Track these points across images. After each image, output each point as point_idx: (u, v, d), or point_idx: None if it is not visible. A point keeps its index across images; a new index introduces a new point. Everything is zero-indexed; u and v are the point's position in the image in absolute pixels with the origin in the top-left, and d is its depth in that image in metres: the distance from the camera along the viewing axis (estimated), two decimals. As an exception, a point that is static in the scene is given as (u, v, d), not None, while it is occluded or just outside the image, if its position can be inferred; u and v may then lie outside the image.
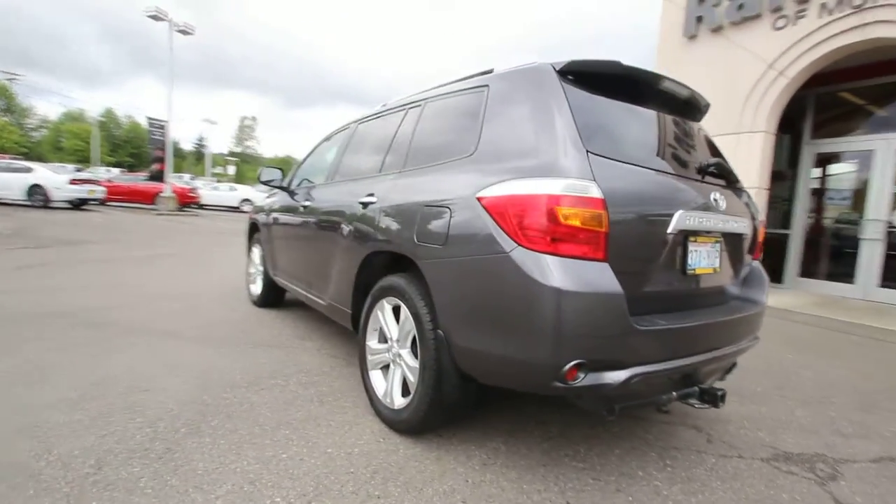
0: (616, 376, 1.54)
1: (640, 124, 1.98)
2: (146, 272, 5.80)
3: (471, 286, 1.70)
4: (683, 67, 6.31)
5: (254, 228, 4.65)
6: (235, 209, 22.61)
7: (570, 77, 1.81)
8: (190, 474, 1.75)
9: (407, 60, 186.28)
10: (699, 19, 6.26)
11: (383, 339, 2.31)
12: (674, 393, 1.81)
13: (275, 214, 3.85)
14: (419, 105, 2.49)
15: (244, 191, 23.95)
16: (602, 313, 1.51)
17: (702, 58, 6.25)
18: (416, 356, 2.06)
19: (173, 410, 2.25)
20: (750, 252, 2.27)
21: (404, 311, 2.08)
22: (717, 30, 6.13)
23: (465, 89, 2.20)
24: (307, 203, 3.22)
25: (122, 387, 2.47)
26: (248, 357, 3.02)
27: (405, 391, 2.14)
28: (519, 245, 1.56)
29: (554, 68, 1.82)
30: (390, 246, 2.15)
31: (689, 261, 1.86)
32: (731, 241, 2.08)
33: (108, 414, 2.17)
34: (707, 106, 2.33)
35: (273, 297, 4.27)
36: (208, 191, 23.50)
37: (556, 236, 1.52)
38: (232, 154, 77.64)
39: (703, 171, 2.01)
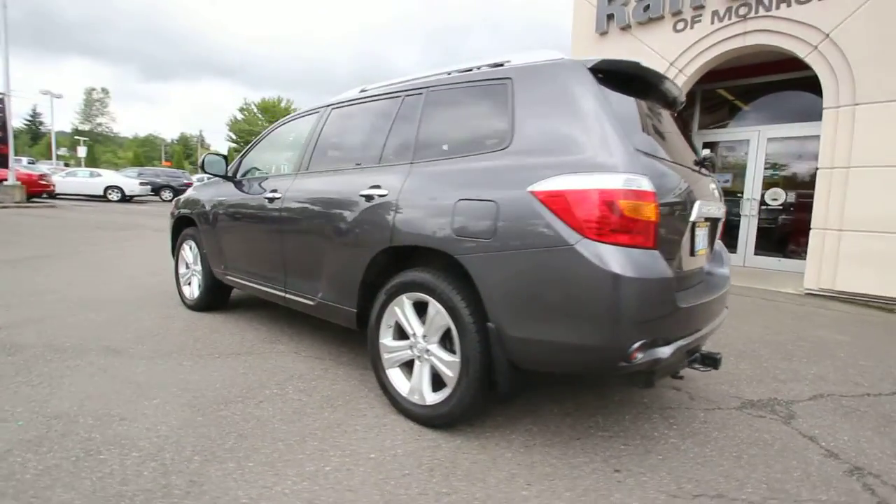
0: (665, 351, 1.71)
1: (653, 121, 2.15)
2: (33, 278, 4.83)
3: (530, 278, 1.74)
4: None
5: (181, 223, 4.13)
6: (101, 198, 19.54)
7: (599, 75, 1.91)
8: (238, 505, 1.58)
9: (286, 35, 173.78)
10: (610, 17, 6.83)
11: (401, 336, 2.26)
12: (686, 360, 2.06)
13: (225, 207, 3.46)
14: (418, 93, 2.41)
15: (111, 177, 20.77)
16: (659, 296, 1.66)
17: (612, 53, 6.82)
18: (449, 350, 2.05)
19: (171, 437, 1.97)
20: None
21: (434, 306, 2.05)
22: (625, 28, 6.75)
23: (479, 80, 2.18)
24: (274, 195, 2.95)
25: (91, 418, 2.10)
26: (222, 368, 2.73)
27: (435, 386, 2.12)
28: (584, 237, 1.64)
29: (585, 66, 1.90)
30: (415, 241, 2.09)
31: (696, 244, 2.10)
32: (713, 225, 2.39)
33: (92, 452, 1.84)
34: (682, 102, 2.60)
35: (216, 299, 3.86)
36: (63, 177, 19.95)
37: (618, 227, 1.63)
38: (78, 133, 66.28)
39: (699, 162, 2.27)
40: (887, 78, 4.78)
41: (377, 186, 2.32)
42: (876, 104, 4.81)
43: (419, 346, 2.16)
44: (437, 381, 2.12)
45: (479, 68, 2.30)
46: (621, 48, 6.73)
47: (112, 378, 2.53)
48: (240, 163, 3.57)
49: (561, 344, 1.72)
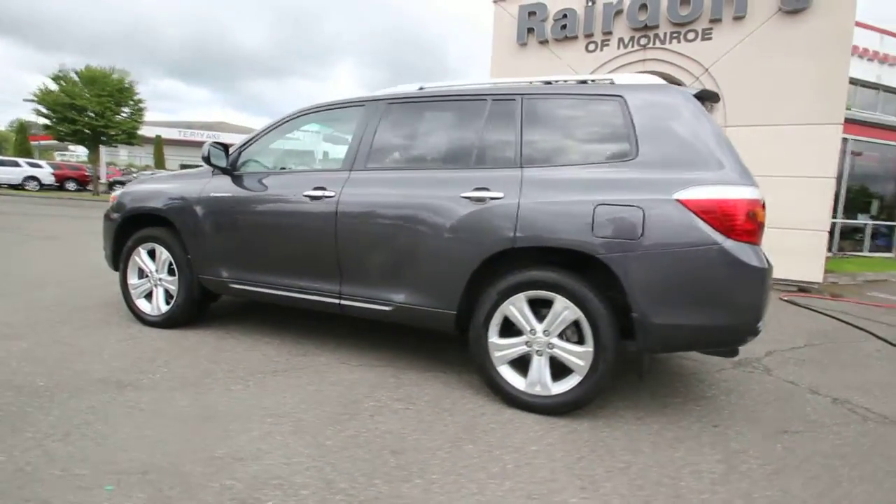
0: (762, 325, 2.15)
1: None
2: None
3: (677, 272, 2.01)
4: (516, 70, 7.43)
5: (128, 224, 3.40)
6: None
7: (700, 101, 2.27)
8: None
9: None
10: (530, 30, 7.45)
11: (514, 333, 2.34)
12: None
13: (231, 205, 2.98)
14: (510, 98, 2.49)
15: None
16: (770, 281, 2.10)
17: (532, 64, 7.49)
18: (574, 342, 2.23)
19: (323, 467, 1.78)
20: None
21: (562, 302, 2.20)
22: (543, 42, 7.45)
23: (586, 94, 2.37)
24: (322, 194, 2.69)
25: (199, 465, 1.75)
26: (284, 388, 2.44)
27: (556, 377, 2.27)
28: (727, 237, 1.97)
29: (692, 94, 2.24)
30: (546, 242, 2.19)
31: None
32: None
33: (251, 502, 1.56)
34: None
35: (194, 311, 3.30)
36: None
37: (749, 229, 2.00)
38: None
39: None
40: (746, 107, 6.26)
41: (484, 189, 2.34)
42: (741, 127, 6.26)
43: (539, 340, 2.28)
44: (561, 372, 2.27)
45: (586, 84, 2.47)
46: (541, 60, 7.42)
47: (160, 415, 2.08)
48: (239, 154, 3.11)
49: (702, 326, 2.04)
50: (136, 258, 3.36)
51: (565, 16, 7.14)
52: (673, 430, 2.21)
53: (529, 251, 2.30)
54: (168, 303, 3.30)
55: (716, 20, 6.21)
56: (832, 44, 5.57)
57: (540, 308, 2.29)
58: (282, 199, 2.85)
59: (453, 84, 2.73)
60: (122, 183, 25.00)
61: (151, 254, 3.34)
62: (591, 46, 7.12)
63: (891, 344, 3.97)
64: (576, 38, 7.16)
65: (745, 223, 1.99)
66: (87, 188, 23.21)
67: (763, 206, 2.08)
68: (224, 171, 3.07)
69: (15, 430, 1.90)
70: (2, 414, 2.02)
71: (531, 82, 2.61)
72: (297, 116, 3.07)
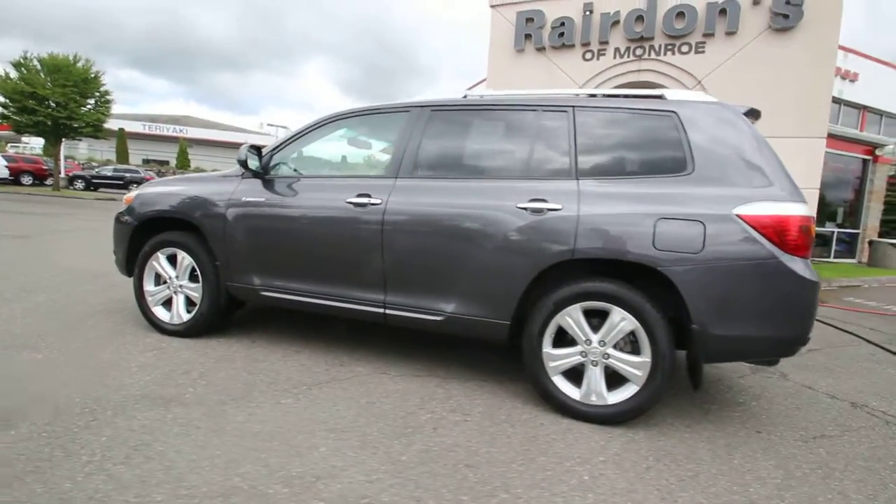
0: (811, 335, 2.26)
1: None
2: None
3: (736, 285, 2.09)
4: (513, 75, 7.51)
5: (145, 228, 3.25)
6: None
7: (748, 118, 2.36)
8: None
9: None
10: (528, 37, 7.54)
11: (568, 343, 2.38)
12: None
13: (267, 210, 2.89)
14: (562, 110, 2.52)
15: None
16: (819, 294, 2.20)
17: (528, 70, 7.59)
18: (628, 352, 2.28)
19: (405, 483, 1.76)
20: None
21: (619, 313, 2.24)
22: (541, 49, 7.55)
23: (640, 108, 2.42)
24: (367, 201, 2.65)
25: (279, 485, 1.70)
26: (335, 401, 2.39)
27: (609, 387, 2.32)
28: (784, 252, 2.06)
29: (742, 111, 2.33)
30: (606, 254, 2.23)
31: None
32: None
33: (355, 520, 1.53)
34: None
35: (217, 319, 3.19)
36: None
37: (802, 244, 2.10)
38: None
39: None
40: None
41: (542, 200, 2.36)
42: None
43: (594, 351, 2.32)
44: (614, 382, 2.32)
45: (638, 99, 2.52)
46: (538, 67, 7.52)
47: (219, 433, 2.01)
48: (270, 158, 3.02)
49: (758, 337, 2.13)
50: (155, 264, 3.21)
51: (563, 24, 7.28)
52: (723, 437, 2.29)
53: (580, 262, 2.34)
54: (189, 311, 3.18)
55: (709, 34, 6.48)
56: (817, 62, 5.91)
57: (590, 318, 2.33)
58: (322, 205, 2.79)
59: (497, 93, 2.74)
60: (84, 178, 23.77)
61: (171, 259, 3.21)
62: (588, 55, 7.29)
63: (882, 348, 4.23)
64: (573, 46, 7.31)
65: (798, 238, 2.08)
66: (45, 182, 21.93)
67: (812, 221, 2.18)
68: (256, 174, 2.98)
69: (69, 454, 1.79)
70: (47, 434, 1.90)
71: (577, 94, 2.65)
72: (332, 121, 3.01)
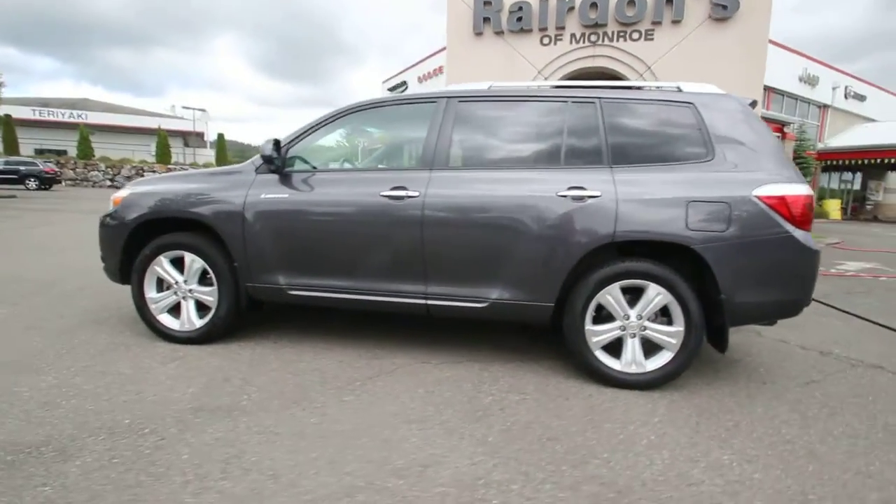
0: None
1: None
2: None
3: (757, 258, 2.38)
4: (473, 59, 7.58)
5: (143, 230, 3.02)
6: None
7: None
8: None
9: None
10: (486, 20, 7.60)
11: (607, 319, 2.58)
12: None
13: (290, 206, 2.79)
14: (590, 101, 2.66)
15: None
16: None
17: (488, 53, 7.68)
18: (662, 323, 2.53)
19: (511, 463, 1.87)
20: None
21: (655, 289, 2.48)
22: (499, 33, 7.65)
23: (661, 100, 2.62)
24: (404, 193, 2.65)
25: (399, 479, 1.75)
26: (401, 396, 2.43)
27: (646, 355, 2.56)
28: (795, 227, 2.38)
29: (748, 103, 2.61)
30: (645, 236, 2.43)
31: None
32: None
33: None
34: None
35: (232, 322, 3.06)
36: None
37: (807, 219, 2.43)
38: None
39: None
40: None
41: (581, 188, 2.51)
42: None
43: (632, 324, 2.54)
44: (649, 351, 2.56)
45: (654, 90, 2.72)
46: (497, 51, 7.64)
47: (303, 437, 2.00)
48: (286, 152, 2.90)
49: (773, 302, 2.45)
50: (157, 268, 3.00)
51: (521, 8, 7.43)
52: (741, 391, 2.62)
53: (616, 244, 2.54)
54: (201, 316, 3.01)
55: (657, 23, 6.94)
56: (751, 51, 6.57)
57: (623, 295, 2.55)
58: (355, 199, 2.75)
59: (521, 84, 2.83)
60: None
61: (175, 263, 3.01)
62: (546, 40, 7.52)
63: (823, 304, 4.93)
64: (531, 31, 7.50)
65: (805, 214, 2.41)
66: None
67: (812, 199, 2.53)
68: (278, 170, 2.85)
69: (158, 477, 1.70)
70: (119, 461, 1.78)
71: (600, 86, 2.81)
72: (350, 112, 2.94)
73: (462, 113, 2.79)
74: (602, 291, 2.53)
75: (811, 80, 20.29)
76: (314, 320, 3.56)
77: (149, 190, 3.05)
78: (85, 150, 28.31)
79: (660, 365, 2.54)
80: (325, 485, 1.68)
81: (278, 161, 2.77)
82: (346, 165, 3.20)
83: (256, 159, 2.96)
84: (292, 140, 2.93)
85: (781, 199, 2.39)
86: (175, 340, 3.01)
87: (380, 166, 3.14)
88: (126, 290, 4.13)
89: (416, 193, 2.66)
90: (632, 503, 1.66)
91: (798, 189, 2.43)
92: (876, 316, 4.36)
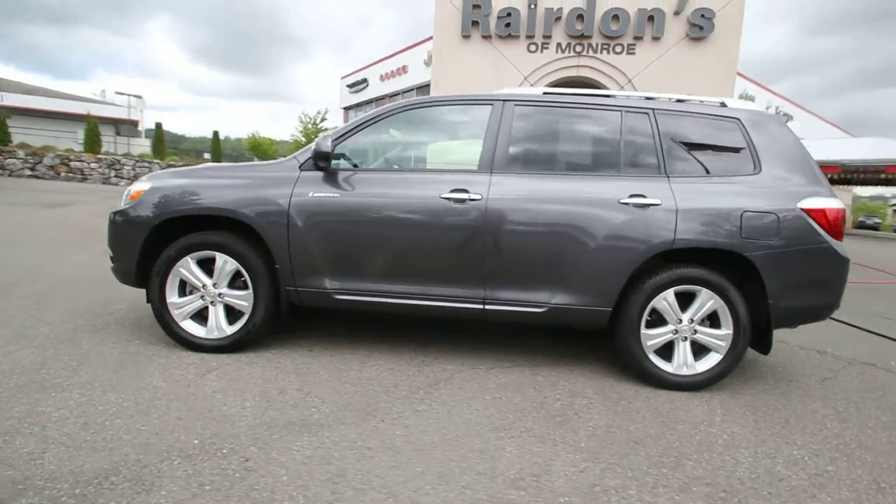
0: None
1: None
2: None
3: (799, 265, 2.56)
4: (461, 62, 7.59)
5: (161, 230, 2.76)
6: None
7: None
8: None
9: None
10: (475, 23, 7.62)
11: (658, 324, 2.67)
12: None
13: (341, 207, 2.65)
14: (643, 112, 2.74)
15: None
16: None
17: (476, 56, 7.70)
18: (714, 327, 2.65)
19: (616, 469, 1.88)
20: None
21: (707, 294, 2.60)
22: (487, 37, 7.70)
23: (709, 114, 2.75)
24: (466, 196, 2.60)
25: (518, 490, 1.72)
26: (468, 400, 2.38)
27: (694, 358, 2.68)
28: (830, 237, 2.58)
29: (784, 120, 2.80)
30: (703, 244, 2.53)
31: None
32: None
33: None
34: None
35: (269, 327, 2.86)
36: None
37: (841, 230, 2.64)
38: None
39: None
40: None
41: (641, 195, 2.58)
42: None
43: (684, 327, 2.65)
44: (696, 354, 2.68)
45: (701, 104, 2.84)
46: (484, 55, 7.69)
47: (396, 450, 1.91)
48: (333, 149, 2.75)
49: (811, 306, 2.65)
50: (183, 270, 2.74)
51: (509, 14, 7.53)
52: (776, 388, 2.81)
53: (672, 252, 2.64)
54: (231, 322, 2.79)
55: (639, 38, 7.30)
56: (723, 68, 7.06)
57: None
58: (412, 201, 2.66)
59: (575, 91, 2.87)
60: None
61: (201, 264, 2.77)
62: (532, 47, 7.67)
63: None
64: (518, 37, 7.62)
65: (839, 226, 2.63)
66: None
67: (845, 213, 2.75)
68: (325, 167, 2.70)
69: (256, 502, 1.55)
70: (211, 487, 1.61)
71: (649, 98, 2.90)
72: (400, 111, 2.85)
73: (519, 117, 2.78)
74: (658, 296, 2.62)
75: (749, 100, 22.14)
76: (335, 325, 3.41)
77: (174, 184, 2.78)
78: (1, 136, 25.37)
79: (709, 366, 2.66)
80: (448, 501, 1.61)
81: (334, 159, 2.63)
82: (394, 165, 3.09)
83: (300, 154, 2.79)
84: (339, 137, 2.79)
85: (822, 211, 2.59)
86: (200, 349, 2.77)
87: (436, 167, 3.06)
88: (107, 289, 3.79)
89: (479, 196, 2.62)
90: (741, 501, 1.73)
91: (835, 202, 2.64)
92: (845, 318, 4.82)
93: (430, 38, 21.90)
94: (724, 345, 2.64)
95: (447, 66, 7.63)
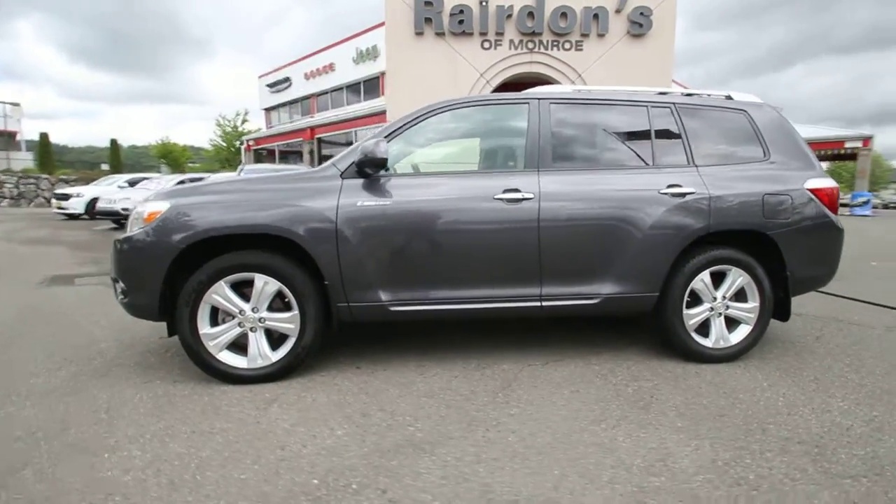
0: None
1: None
2: None
3: (810, 239, 2.87)
4: (415, 59, 7.50)
5: (185, 256, 2.49)
6: None
7: (776, 115, 3.16)
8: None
9: None
10: (427, 21, 7.53)
11: (696, 303, 2.87)
12: None
13: (395, 216, 2.55)
14: (665, 107, 2.92)
15: None
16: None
17: (430, 54, 7.63)
18: (740, 301, 2.90)
19: (705, 447, 2.00)
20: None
21: (737, 272, 2.84)
22: (440, 34, 7.65)
23: (721, 107, 2.98)
24: (520, 196, 2.61)
25: (707, 483, 1.76)
26: (551, 403, 2.40)
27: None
28: (830, 213, 2.93)
29: (780, 110, 3.11)
30: (733, 226, 2.75)
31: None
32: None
33: None
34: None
35: (317, 348, 2.68)
36: None
37: (836, 205, 2.99)
38: None
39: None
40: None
41: (678, 185, 2.75)
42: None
43: (718, 304, 2.87)
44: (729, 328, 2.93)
45: (710, 96, 3.07)
46: (437, 52, 7.65)
47: (521, 458, 1.89)
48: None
49: (819, 275, 2.99)
50: (216, 297, 2.48)
51: (462, 11, 7.56)
52: (790, 351, 3.12)
53: (706, 236, 2.85)
54: (274, 347, 2.58)
55: (585, 35, 7.67)
56: (662, 62, 7.65)
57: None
58: (466, 203, 2.61)
59: (604, 88, 2.98)
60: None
61: (235, 287, 2.52)
62: (486, 44, 7.76)
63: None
64: (472, 34, 7.67)
65: (835, 202, 2.99)
66: None
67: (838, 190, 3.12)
68: (366, 174, 2.57)
69: None
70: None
71: (666, 93, 3.08)
72: (435, 112, 2.78)
73: (557, 115, 2.83)
74: (696, 278, 2.81)
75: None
76: (357, 341, 3.27)
77: (200, 201, 2.49)
78: None
79: (741, 338, 2.91)
80: (610, 499, 1.63)
81: (386, 165, 2.50)
82: (442, 168, 3.00)
83: (339, 161, 2.63)
84: (392, 133, 2.67)
85: (822, 190, 2.92)
86: (242, 381, 2.53)
87: (482, 168, 3.02)
88: (73, 326, 3.45)
89: (531, 195, 2.63)
90: (835, 452, 1.92)
91: (830, 182, 2.99)
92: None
93: (358, 34, 21.30)
94: (753, 316, 2.90)
95: (402, 65, 7.51)
